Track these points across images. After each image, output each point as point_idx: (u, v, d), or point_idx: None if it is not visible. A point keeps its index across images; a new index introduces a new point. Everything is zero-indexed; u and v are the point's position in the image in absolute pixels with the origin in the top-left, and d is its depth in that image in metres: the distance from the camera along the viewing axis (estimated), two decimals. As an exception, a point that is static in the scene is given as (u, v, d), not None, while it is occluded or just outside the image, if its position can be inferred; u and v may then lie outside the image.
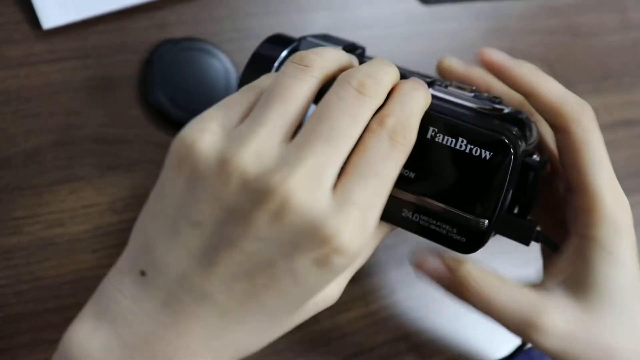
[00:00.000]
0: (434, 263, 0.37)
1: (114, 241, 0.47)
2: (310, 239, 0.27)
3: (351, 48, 0.40)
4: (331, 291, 0.34)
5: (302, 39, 0.40)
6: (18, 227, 0.46)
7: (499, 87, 0.41)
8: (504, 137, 0.33)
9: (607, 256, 0.34)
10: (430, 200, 0.35)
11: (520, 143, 0.34)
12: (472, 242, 0.35)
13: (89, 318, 0.30)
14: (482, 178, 0.34)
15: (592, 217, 0.35)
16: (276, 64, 0.39)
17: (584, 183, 0.35)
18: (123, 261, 0.31)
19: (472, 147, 0.34)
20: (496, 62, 0.37)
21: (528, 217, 0.38)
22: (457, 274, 0.36)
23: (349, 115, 0.29)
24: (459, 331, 0.51)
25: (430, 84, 0.37)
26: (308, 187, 0.27)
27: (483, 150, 0.33)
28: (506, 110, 0.36)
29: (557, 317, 0.34)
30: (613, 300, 0.35)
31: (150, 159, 0.49)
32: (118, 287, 0.30)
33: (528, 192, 0.36)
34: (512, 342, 0.44)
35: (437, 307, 0.51)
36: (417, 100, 0.32)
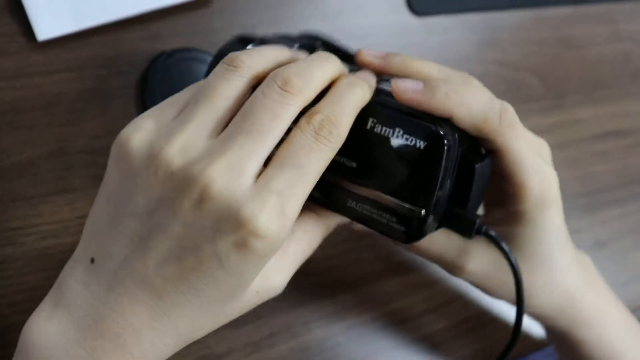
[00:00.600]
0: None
1: (108, 252, 0.47)
2: (229, 223, 0.29)
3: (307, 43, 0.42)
4: (275, 281, 0.35)
5: (263, 39, 0.41)
6: (12, 238, 0.46)
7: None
8: (438, 129, 0.34)
9: (529, 222, 0.40)
10: (370, 190, 0.35)
11: (455, 136, 0.35)
12: (412, 231, 0.35)
13: (47, 306, 0.33)
14: (417, 168, 0.34)
15: (518, 198, 0.39)
16: None
17: (511, 176, 0.39)
18: (77, 251, 0.34)
19: (408, 137, 0.34)
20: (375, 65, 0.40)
21: (477, 212, 0.39)
22: None
23: (271, 111, 0.31)
24: None
25: (382, 79, 0.38)
26: (228, 175, 0.29)
27: (418, 141, 0.34)
28: None
29: (476, 261, 0.42)
30: (531, 253, 0.41)
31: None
32: (72, 274, 0.33)
33: (472, 186, 0.37)
34: None
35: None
36: (352, 98, 0.34)
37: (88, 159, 0.49)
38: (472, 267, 0.42)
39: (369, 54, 0.40)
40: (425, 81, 0.37)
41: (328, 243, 0.52)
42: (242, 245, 0.30)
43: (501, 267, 0.41)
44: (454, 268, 0.42)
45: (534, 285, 0.42)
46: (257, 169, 0.30)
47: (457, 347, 0.54)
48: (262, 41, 0.41)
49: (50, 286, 0.45)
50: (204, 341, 0.41)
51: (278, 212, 0.30)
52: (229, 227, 0.29)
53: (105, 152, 0.48)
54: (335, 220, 0.39)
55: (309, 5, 0.59)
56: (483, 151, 0.38)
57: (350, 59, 0.40)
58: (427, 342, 0.54)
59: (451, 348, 0.54)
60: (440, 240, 0.42)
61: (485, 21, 0.66)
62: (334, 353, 0.51)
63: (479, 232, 0.38)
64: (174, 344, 0.32)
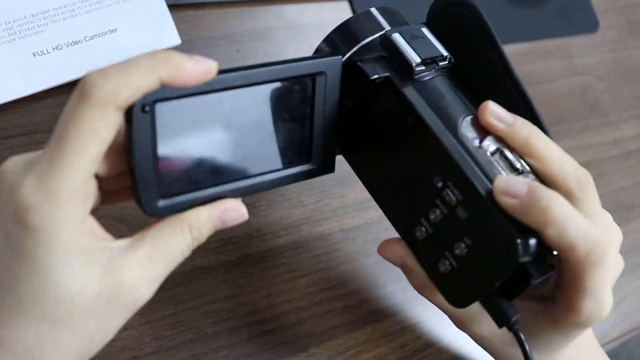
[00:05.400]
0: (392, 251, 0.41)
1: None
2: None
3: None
4: (138, 291, 0.32)
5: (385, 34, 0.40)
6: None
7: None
8: (519, 248, 0.34)
9: (560, 333, 0.41)
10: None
11: (527, 249, 0.34)
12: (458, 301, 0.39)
13: None
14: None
15: (562, 311, 0.39)
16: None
17: (568, 294, 0.38)
18: None
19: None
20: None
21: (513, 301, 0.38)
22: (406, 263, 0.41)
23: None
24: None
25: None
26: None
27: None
28: None
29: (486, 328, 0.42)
30: (544, 349, 0.41)
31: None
32: None
33: (521, 292, 0.37)
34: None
35: None
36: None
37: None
38: (480, 331, 0.42)
39: (493, 113, 0.38)
40: (530, 188, 0.35)
41: (298, 295, 0.52)
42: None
43: (511, 341, 0.41)
44: (462, 325, 0.43)
45: None
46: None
47: (434, 394, 0.54)
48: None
49: None
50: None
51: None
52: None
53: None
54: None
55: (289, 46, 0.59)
56: (550, 258, 0.37)
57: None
58: (404, 390, 0.53)
59: (428, 395, 0.53)
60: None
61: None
62: (308, 409, 0.50)
63: (509, 328, 0.38)
64: None
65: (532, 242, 0.34)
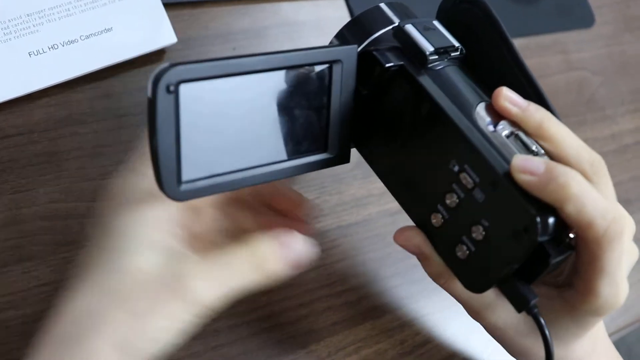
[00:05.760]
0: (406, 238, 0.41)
1: (70, 320, 0.45)
2: None
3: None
4: (197, 291, 0.34)
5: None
6: (-32, 314, 0.44)
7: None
8: (538, 226, 0.34)
9: (575, 320, 0.40)
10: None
11: (546, 227, 0.34)
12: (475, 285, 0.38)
13: None
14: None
15: (579, 296, 0.39)
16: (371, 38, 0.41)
17: (586, 276, 0.37)
18: None
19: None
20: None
21: (531, 285, 0.38)
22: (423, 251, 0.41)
23: None
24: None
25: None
26: None
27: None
28: None
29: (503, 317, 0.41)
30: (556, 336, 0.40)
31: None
32: None
33: (541, 274, 0.37)
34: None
35: None
36: None
37: (45, 225, 0.47)
38: (495, 321, 0.41)
39: (508, 98, 0.38)
40: (548, 165, 0.35)
41: (298, 292, 0.52)
42: None
43: (525, 332, 0.41)
44: (477, 315, 0.42)
45: None
46: None
47: (434, 390, 0.54)
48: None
49: (11, 361, 0.44)
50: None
51: None
52: None
53: (62, 216, 0.48)
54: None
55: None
56: (567, 239, 0.37)
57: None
58: (404, 386, 0.53)
59: (428, 391, 0.53)
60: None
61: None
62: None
63: (528, 312, 0.37)
64: None
65: (551, 220, 0.34)
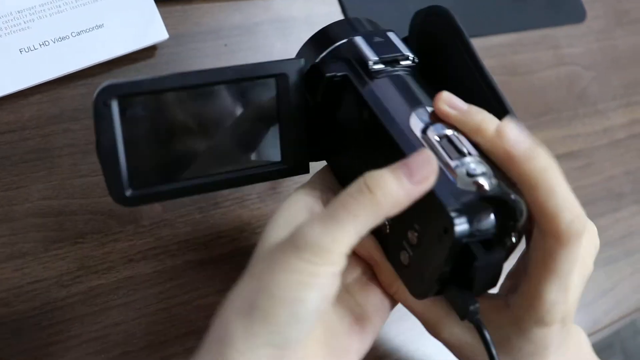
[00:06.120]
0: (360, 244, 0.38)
1: (61, 317, 0.45)
2: None
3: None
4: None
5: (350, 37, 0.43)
6: (-40, 311, 0.44)
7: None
8: (453, 217, 0.33)
9: (525, 338, 0.38)
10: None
11: (466, 228, 0.33)
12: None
13: None
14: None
15: (528, 322, 0.37)
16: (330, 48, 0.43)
17: (536, 286, 0.35)
18: None
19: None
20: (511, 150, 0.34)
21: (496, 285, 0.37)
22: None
23: None
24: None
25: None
26: None
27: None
28: (489, 190, 0.34)
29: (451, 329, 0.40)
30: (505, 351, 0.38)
31: (96, 229, 0.48)
32: None
33: (474, 279, 0.35)
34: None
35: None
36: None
37: (37, 221, 0.47)
38: (449, 336, 0.40)
39: (447, 101, 0.37)
40: (532, 144, 0.34)
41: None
42: None
43: (481, 350, 0.37)
44: (432, 329, 0.41)
45: None
46: None
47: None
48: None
49: (6, 357, 0.43)
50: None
51: None
52: None
53: (54, 213, 0.48)
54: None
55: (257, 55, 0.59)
56: (509, 242, 0.36)
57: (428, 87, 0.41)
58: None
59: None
60: (427, 300, 0.40)
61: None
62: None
63: (470, 320, 0.36)
64: None
65: (479, 220, 0.33)
